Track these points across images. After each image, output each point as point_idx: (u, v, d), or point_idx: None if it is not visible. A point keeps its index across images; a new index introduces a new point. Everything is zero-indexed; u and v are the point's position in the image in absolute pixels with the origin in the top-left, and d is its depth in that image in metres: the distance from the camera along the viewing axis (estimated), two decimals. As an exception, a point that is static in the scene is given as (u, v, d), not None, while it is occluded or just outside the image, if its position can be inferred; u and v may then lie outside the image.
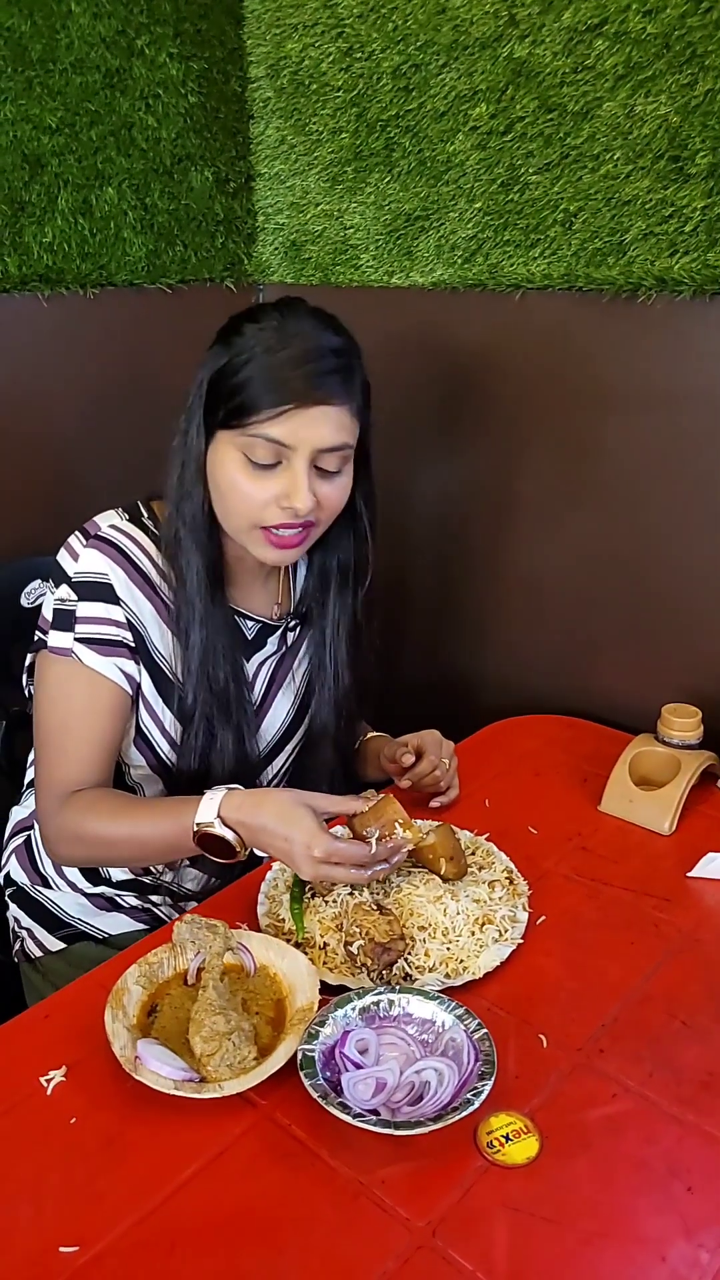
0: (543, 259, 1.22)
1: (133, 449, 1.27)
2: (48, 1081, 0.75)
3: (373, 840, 0.86)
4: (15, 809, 1.16)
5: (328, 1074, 0.73)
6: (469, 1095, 0.70)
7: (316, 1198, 0.67)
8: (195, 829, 0.87)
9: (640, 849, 1.05)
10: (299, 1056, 0.73)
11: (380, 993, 0.80)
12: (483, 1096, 0.70)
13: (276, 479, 0.88)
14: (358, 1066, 0.75)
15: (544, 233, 1.21)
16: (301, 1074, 0.72)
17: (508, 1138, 0.71)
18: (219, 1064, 0.74)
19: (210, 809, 0.86)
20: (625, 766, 1.10)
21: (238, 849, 0.87)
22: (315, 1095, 0.70)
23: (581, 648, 1.34)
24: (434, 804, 1.09)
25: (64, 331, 1.34)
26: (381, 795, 0.90)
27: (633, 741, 1.14)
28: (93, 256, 1.35)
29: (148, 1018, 0.80)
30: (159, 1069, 0.73)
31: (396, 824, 0.86)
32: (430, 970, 0.84)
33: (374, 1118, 0.69)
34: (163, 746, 1.00)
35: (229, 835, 0.86)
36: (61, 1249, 0.63)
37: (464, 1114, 0.69)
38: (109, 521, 0.96)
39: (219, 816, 0.86)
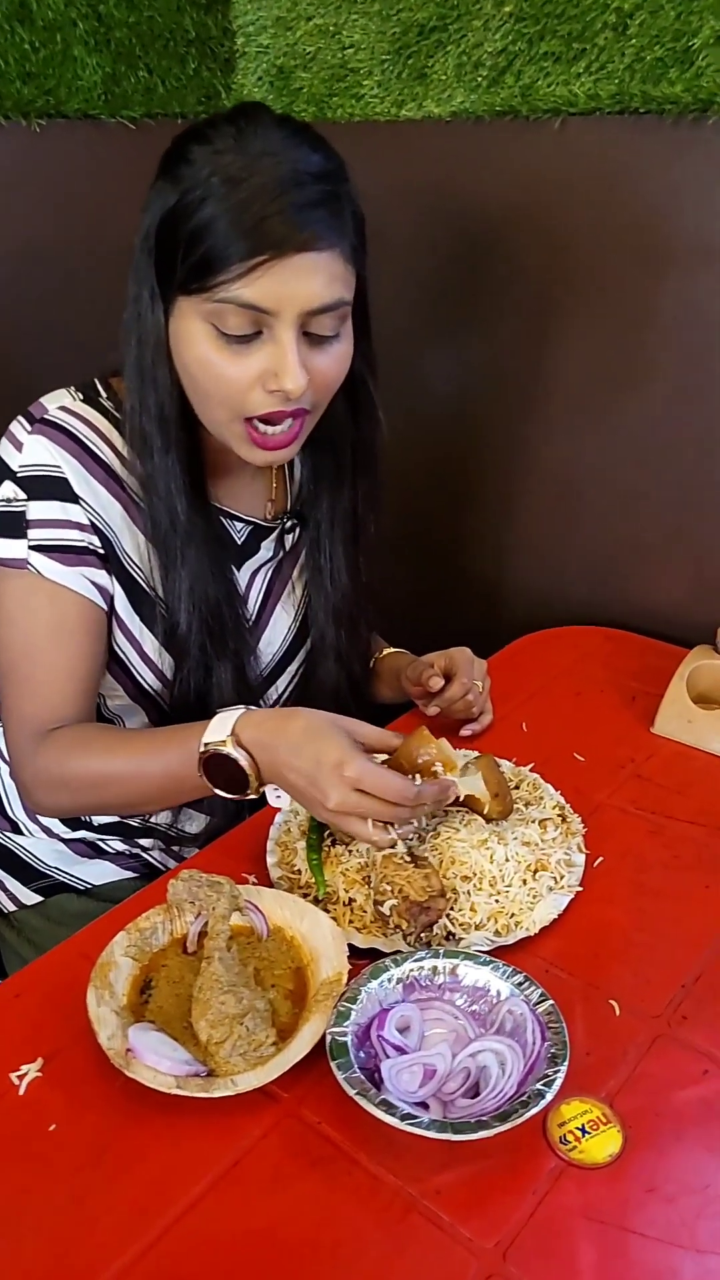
0: (589, 75, 1.01)
1: (87, 316, 1.07)
2: (19, 1078, 0.62)
3: (416, 778, 0.71)
4: (-26, 746, 1.01)
5: (362, 1056, 0.61)
6: (539, 1085, 0.59)
7: (358, 1215, 0.56)
8: (202, 750, 0.73)
9: (704, 776, 0.93)
10: (328, 1041, 0.61)
11: (421, 958, 0.67)
12: (555, 1086, 0.59)
13: (257, 354, 0.72)
14: (400, 1050, 0.63)
15: (590, 41, 1.00)
16: (333, 1065, 0.59)
17: (584, 1130, 0.60)
18: (230, 1053, 0.61)
19: (222, 727, 0.73)
20: (682, 682, 0.97)
21: (250, 777, 0.73)
22: (352, 1093, 0.58)
23: (623, 551, 1.20)
24: (465, 732, 0.96)
25: (3, 171, 1.14)
26: (416, 729, 0.75)
27: (690, 654, 1.01)
28: (36, 79, 1.13)
29: (140, 996, 0.67)
30: (157, 1063, 0.60)
31: (437, 765, 0.72)
32: (477, 927, 0.72)
33: (426, 1116, 0.57)
34: (143, 673, 0.86)
35: (241, 758, 0.73)
36: (46, 1293, 0.51)
37: (535, 1109, 0.57)
38: (58, 403, 0.80)
39: (233, 734, 0.73)
